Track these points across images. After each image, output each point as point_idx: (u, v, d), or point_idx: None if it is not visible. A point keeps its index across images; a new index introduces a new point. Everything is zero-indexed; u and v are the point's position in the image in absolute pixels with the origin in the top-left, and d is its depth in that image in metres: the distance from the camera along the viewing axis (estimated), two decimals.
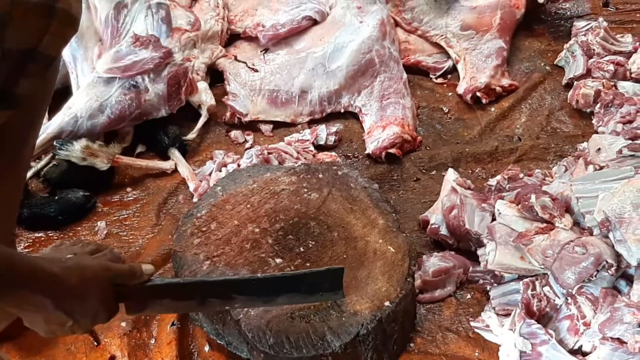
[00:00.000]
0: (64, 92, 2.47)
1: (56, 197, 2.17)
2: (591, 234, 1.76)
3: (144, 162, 2.33)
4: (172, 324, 1.80)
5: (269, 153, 2.25)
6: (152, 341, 1.79)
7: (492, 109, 2.58)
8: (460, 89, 2.64)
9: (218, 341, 1.70)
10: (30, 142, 1.59)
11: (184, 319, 1.82)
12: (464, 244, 1.97)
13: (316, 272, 1.50)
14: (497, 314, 1.77)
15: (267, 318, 1.56)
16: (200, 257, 1.71)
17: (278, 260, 1.69)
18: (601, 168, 1.90)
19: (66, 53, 2.55)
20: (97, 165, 2.20)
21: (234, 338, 1.65)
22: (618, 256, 1.67)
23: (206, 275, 1.66)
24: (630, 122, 2.24)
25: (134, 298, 1.39)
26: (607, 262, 1.65)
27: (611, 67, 2.54)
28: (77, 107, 2.28)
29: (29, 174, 2.21)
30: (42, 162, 2.25)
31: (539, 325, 1.65)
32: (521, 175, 2.09)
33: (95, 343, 1.76)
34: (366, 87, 2.54)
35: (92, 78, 2.38)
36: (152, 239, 2.07)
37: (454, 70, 2.77)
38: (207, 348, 1.77)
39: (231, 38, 2.82)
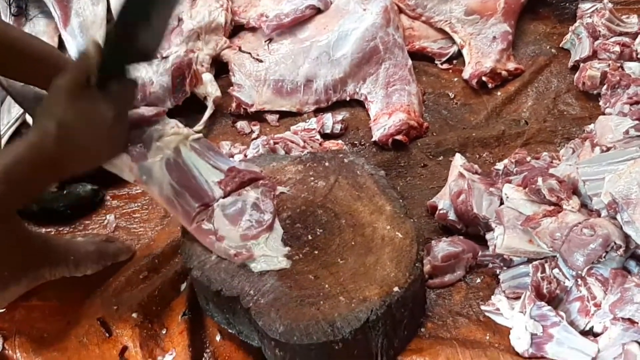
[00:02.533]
0: None
1: (64, 192, 2.18)
2: (599, 216, 1.76)
3: None
4: (184, 314, 1.81)
5: (275, 143, 2.26)
6: (164, 331, 1.80)
7: (499, 94, 2.57)
8: (465, 74, 2.63)
9: (229, 330, 1.71)
10: None
11: (195, 310, 1.83)
12: (473, 229, 1.97)
13: None
14: (507, 297, 1.77)
15: (276, 306, 1.56)
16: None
17: (286, 249, 1.69)
18: (608, 149, 1.90)
19: (72, 48, 2.57)
20: None
21: (244, 327, 1.65)
22: (626, 237, 1.67)
23: (215, 265, 1.66)
24: (637, 102, 2.24)
25: None
26: (615, 243, 1.65)
27: (617, 49, 2.53)
28: None
29: None
30: None
31: (549, 308, 1.65)
32: (528, 158, 2.09)
33: (107, 334, 1.78)
34: (371, 74, 2.53)
35: None
36: (161, 231, 2.08)
37: (459, 55, 2.75)
38: (218, 337, 1.78)
39: (235, 29, 2.81)
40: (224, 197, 1.73)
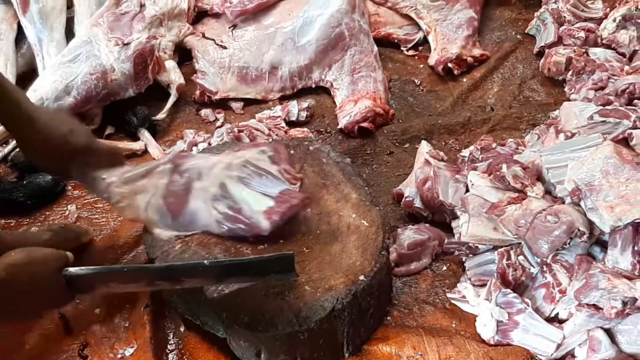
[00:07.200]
0: (30, 75, 2.43)
1: (24, 182, 2.13)
2: (563, 203, 1.76)
3: (114, 143, 2.29)
4: (146, 306, 1.77)
5: (239, 131, 2.23)
6: (126, 324, 1.77)
7: (464, 80, 2.57)
8: (431, 61, 2.62)
9: (194, 321, 1.68)
10: None
11: (158, 301, 1.80)
12: (439, 216, 1.97)
13: (265, 259, 1.48)
14: (473, 285, 1.77)
15: (242, 297, 1.54)
16: (172, 238, 1.69)
17: (251, 238, 1.67)
18: (572, 135, 1.90)
19: (31, 35, 2.51)
20: None
21: (209, 318, 1.63)
22: (590, 223, 1.67)
23: (178, 255, 1.64)
24: (602, 88, 2.25)
25: (81, 283, 1.42)
26: (579, 229, 1.65)
27: (582, 34, 2.54)
28: (42, 90, 2.24)
29: None
30: (9, 147, 2.22)
31: (515, 295, 1.65)
32: (494, 145, 2.09)
33: (67, 331, 1.74)
34: (337, 61, 2.51)
35: (57, 59, 2.34)
36: (124, 221, 2.04)
37: (425, 42, 2.74)
38: (182, 328, 1.75)
39: (198, 15, 2.76)
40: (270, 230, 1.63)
